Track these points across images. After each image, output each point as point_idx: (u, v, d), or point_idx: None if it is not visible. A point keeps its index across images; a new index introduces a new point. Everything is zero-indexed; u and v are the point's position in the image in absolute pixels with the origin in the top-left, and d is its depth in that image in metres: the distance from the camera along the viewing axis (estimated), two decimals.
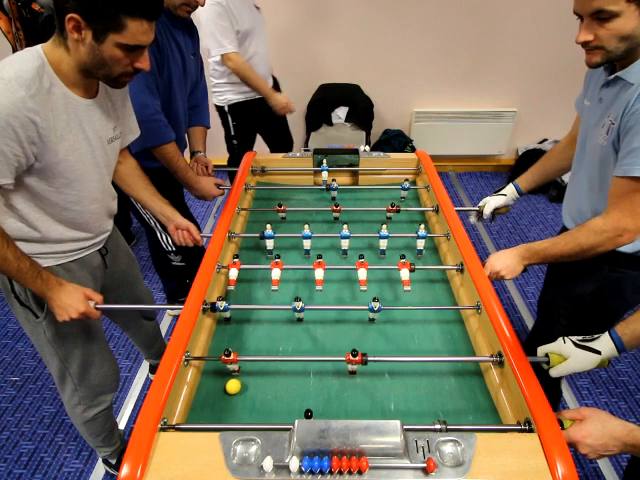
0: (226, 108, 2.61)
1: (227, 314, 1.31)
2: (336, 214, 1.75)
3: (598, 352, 1.02)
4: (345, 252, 1.57)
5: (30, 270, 1.14)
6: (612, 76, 1.14)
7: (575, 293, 1.40)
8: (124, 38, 1.04)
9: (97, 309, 1.26)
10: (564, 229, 1.43)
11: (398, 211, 1.71)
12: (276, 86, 2.81)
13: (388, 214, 1.75)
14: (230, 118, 2.64)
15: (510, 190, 1.63)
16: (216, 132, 2.58)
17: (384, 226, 1.53)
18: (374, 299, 1.22)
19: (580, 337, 1.06)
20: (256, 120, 2.72)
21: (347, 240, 1.55)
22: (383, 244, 1.55)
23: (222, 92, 2.58)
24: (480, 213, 1.68)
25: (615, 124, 1.10)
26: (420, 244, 1.56)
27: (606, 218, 1.13)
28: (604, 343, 1.03)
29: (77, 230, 1.29)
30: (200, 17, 2.28)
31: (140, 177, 1.51)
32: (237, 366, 1.14)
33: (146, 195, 1.52)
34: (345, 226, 1.53)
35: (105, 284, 1.51)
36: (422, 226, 1.54)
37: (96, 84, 1.21)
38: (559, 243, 1.20)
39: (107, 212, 1.40)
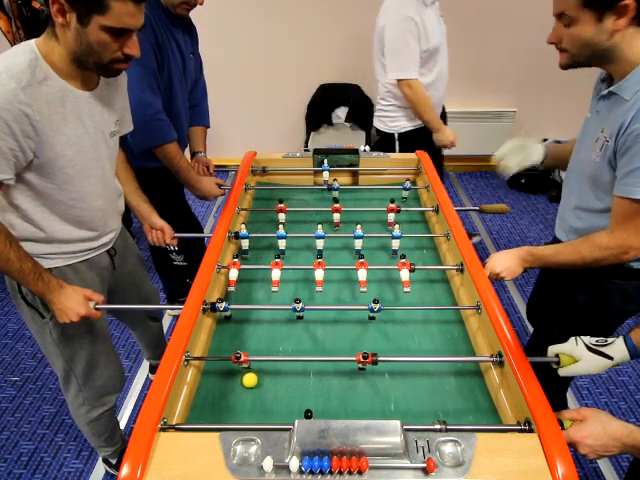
0: (396, 135, 2.38)
1: (227, 313, 1.31)
2: (336, 214, 1.75)
3: (610, 358, 1.01)
4: (320, 253, 1.55)
5: (32, 272, 1.14)
6: (605, 91, 1.14)
7: (567, 304, 1.41)
8: (108, 20, 1.01)
9: (97, 309, 1.26)
10: (556, 240, 1.42)
11: (398, 211, 1.71)
12: (443, 115, 2.51)
13: (388, 214, 1.75)
14: (398, 146, 2.39)
15: (538, 148, 1.47)
16: (217, 132, 2.55)
17: (358, 226, 1.52)
18: (374, 301, 1.22)
19: (594, 340, 1.04)
20: (421, 148, 2.39)
21: (322, 240, 1.54)
22: (358, 244, 1.55)
23: (394, 118, 2.33)
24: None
25: (610, 142, 1.10)
26: (395, 244, 1.56)
27: (611, 236, 1.13)
28: (618, 349, 1.02)
29: (84, 229, 1.29)
30: (385, 32, 2.10)
31: (124, 170, 1.49)
32: (247, 363, 1.14)
33: (127, 190, 1.49)
34: (320, 226, 1.52)
35: (112, 285, 1.51)
36: (397, 226, 1.54)
37: (95, 76, 1.19)
38: (563, 252, 1.20)
39: (113, 208, 1.38)
